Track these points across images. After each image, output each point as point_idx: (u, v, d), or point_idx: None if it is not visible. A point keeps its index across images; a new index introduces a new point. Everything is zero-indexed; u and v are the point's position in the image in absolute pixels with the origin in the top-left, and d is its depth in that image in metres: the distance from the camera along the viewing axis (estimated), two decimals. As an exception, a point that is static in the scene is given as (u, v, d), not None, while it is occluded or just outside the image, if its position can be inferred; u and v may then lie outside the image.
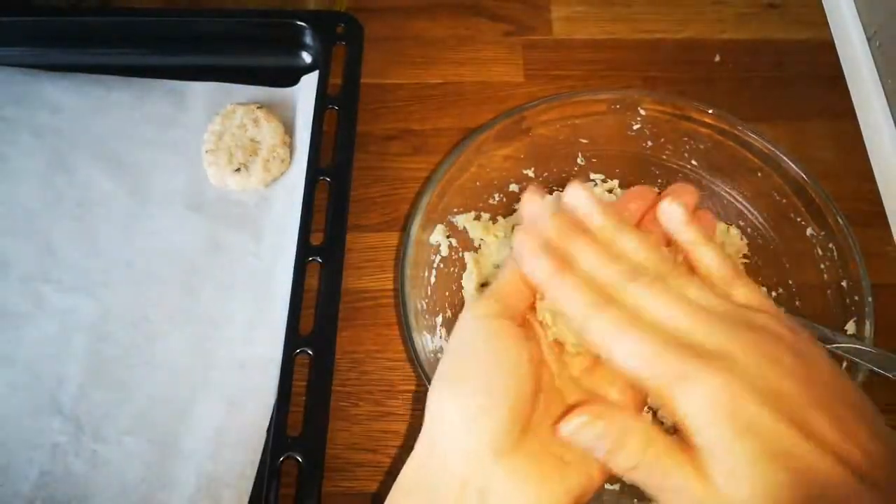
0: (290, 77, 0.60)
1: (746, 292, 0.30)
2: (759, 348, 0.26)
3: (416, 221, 0.48)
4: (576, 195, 0.33)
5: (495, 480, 0.28)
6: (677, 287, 0.29)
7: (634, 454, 0.27)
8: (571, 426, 0.28)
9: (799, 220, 0.49)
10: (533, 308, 0.33)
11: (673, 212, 0.32)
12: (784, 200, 0.50)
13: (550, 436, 0.29)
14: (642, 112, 0.53)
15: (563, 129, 0.53)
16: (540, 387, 0.30)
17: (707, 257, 0.31)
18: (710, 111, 0.51)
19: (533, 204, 0.34)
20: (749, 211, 0.52)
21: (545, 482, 0.28)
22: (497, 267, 0.51)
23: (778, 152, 0.50)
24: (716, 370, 0.25)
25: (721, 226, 0.53)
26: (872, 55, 0.62)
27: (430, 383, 0.42)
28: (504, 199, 0.54)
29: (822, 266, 0.48)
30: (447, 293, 0.50)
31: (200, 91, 0.59)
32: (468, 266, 0.51)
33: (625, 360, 0.27)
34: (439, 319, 0.48)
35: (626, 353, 0.27)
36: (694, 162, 0.53)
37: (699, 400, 0.25)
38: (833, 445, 0.25)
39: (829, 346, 0.43)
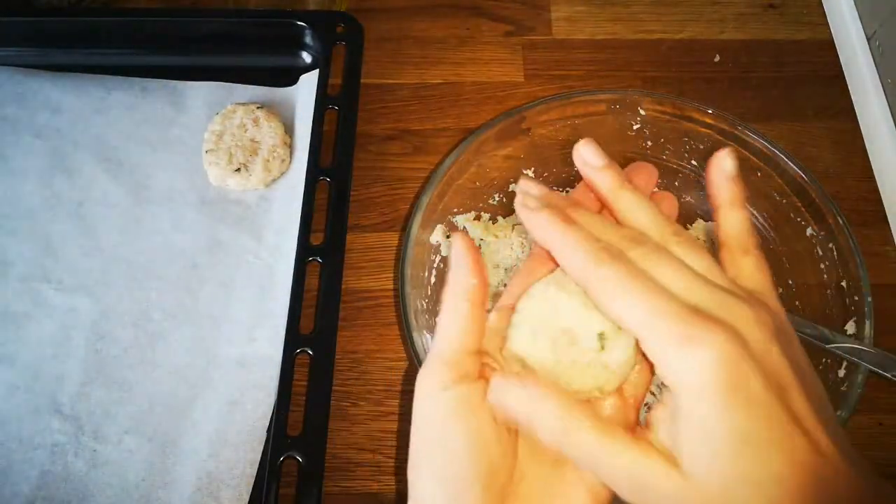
0: (290, 77, 0.60)
1: (753, 269, 0.30)
2: (759, 323, 0.26)
3: (416, 221, 0.48)
4: (586, 150, 0.31)
5: None
6: (682, 256, 0.28)
7: (553, 419, 0.26)
8: (493, 393, 0.28)
9: (799, 219, 0.49)
10: (486, 353, 0.30)
11: (726, 163, 0.32)
12: (784, 200, 0.50)
13: (535, 488, 0.29)
14: (642, 112, 0.53)
15: (563, 130, 0.53)
16: (514, 442, 0.29)
17: (733, 220, 0.31)
18: (710, 111, 0.51)
19: (530, 187, 0.31)
20: (749, 211, 0.52)
21: None
22: (497, 267, 0.51)
23: (778, 152, 0.50)
24: (721, 334, 0.24)
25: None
26: (872, 55, 0.62)
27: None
28: (504, 199, 0.54)
29: (822, 266, 0.48)
30: (447, 293, 0.50)
31: (200, 91, 0.59)
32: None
33: (627, 315, 0.26)
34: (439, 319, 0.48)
35: (628, 309, 0.26)
36: (694, 162, 0.53)
37: (699, 362, 0.24)
38: (812, 433, 0.25)
39: (828, 346, 0.43)
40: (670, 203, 0.33)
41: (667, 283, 0.27)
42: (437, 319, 0.30)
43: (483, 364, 0.30)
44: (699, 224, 0.53)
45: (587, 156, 0.31)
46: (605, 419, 0.27)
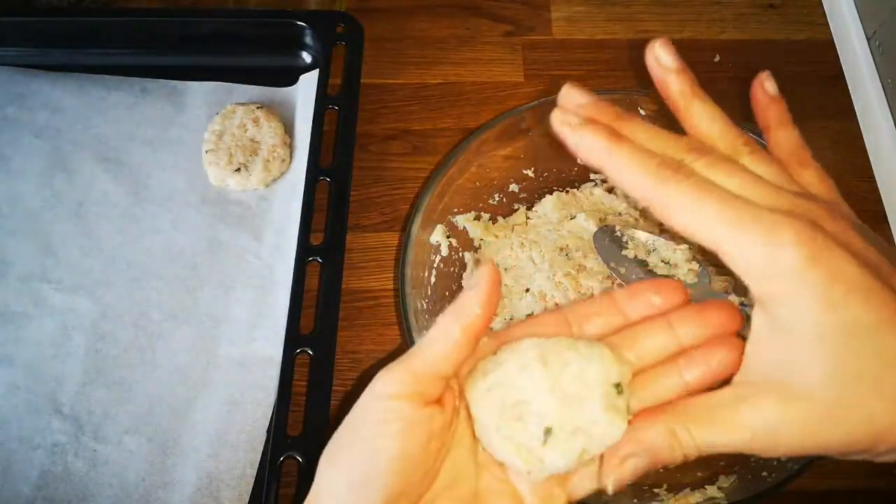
0: (290, 77, 0.60)
1: (816, 180, 0.29)
2: (837, 217, 0.26)
3: (416, 221, 0.48)
4: (660, 47, 0.30)
5: None
6: (751, 166, 0.27)
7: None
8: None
9: (799, 219, 0.49)
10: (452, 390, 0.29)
11: (767, 85, 0.31)
12: (784, 200, 0.50)
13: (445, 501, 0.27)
14: (642, 112, 0.53)
15: (563, 130, 0.53)
16: (438, 469, 0.28)
17: (784, 138, 0.30)
18: (710, 111, 0.51)
19: (574, 95, 0.29)
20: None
21: None
22: (497, 267, 0.51)
23: (778, 152, 0.50)
24: (806, 224, 0.24)
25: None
26: (872, 55, 0.62)
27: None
28: (504, 199, 0.54)
29: (822, 266, 0.48)
30: (447, 293, 0.50)
31: (200, 91, 0.59)
32: (468, 266, 0.51)
33: (703, 231, 0.25)
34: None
35: (702, 224, 0.24)
36: (694, 162, 0.53)
37: (792, 258, 0.23)
38: None
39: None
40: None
41: (737, 191, 0.25)
42: (428, 334, 0.28)
43: (446, 388, 0.28)
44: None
45: (662, 56, 0.29)
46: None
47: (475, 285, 0.28)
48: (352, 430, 0.28)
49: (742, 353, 0.28)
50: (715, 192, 0.25)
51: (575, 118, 0.27)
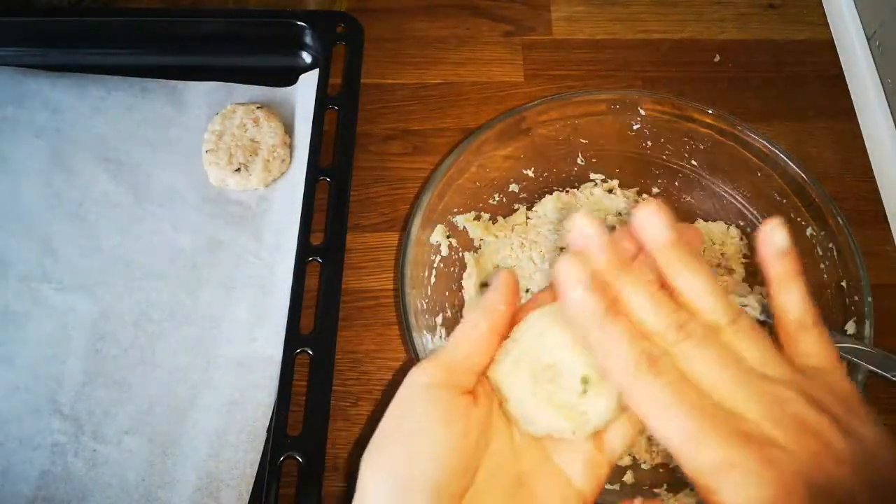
0: (290, 77, 0.60)
1: (814, 344, 0.28)
2: (811, 431, 0.25)
3: (416, 221, 0.48)
4: (647, 215, 0.29)
5: None
6: (734, 343, 0.27)
7: None
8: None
9: (799, 219, 0.49)
10: (486, 375, 0.30)
11: (776, 237, 0.30)
12: (784, 200, 0.50)
13: (492, 486, 0.28)
14: (642, 112, 0.53)
15: (563, 130, 0.53)
16: (480, 457, 0.29)
17: (788, 296, 0.29)
18: (710, 111, 0.51)
19: (586, 227, 0.29)
20: (749, 211, 0.52)
21: None
22: (497, 267, 0.51)
23: (778, 152, 0.50)
24: (766, 462, 0.23)
25: (721, 225, 0.53)
26: (872, 55, 0.62)
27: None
28: (504, 199, 0.54)
29: (822, 266, 0.48)
30: (447, 293, 0.50)
31: (200, 91, 0.59)
32: (468, 266, 0.51)
33: (667, 437, 0.25)
34: (439, 319, 0.48)
35: (668, 431, 0.25)
36: (694, 162, 0.53)
37: (747, 494, 0.23)
38: None
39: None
40: (696, 236, 0.33)
41: (711, 383, 0.26)
42: (454, 331, 0.30)
43: (478, 382, 0.30)
44: (699, 224, 0.54)
45: (652, 229, 0.29)
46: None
47: (497, 287, 0.30)
48: (393, 425, 0.28)
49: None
50: (681, 400, 0.25)
51: (582, 273, 0.27)
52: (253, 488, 0.44)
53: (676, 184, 0.54)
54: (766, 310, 0.45)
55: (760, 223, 0.51)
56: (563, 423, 0.28)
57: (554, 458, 0.30)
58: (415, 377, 0.29)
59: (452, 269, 0.51)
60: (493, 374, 0.30)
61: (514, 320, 0.31)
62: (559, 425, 0.29)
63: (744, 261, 0.52)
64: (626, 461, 0.45)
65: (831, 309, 0.47)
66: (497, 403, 0.30)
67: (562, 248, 0.51)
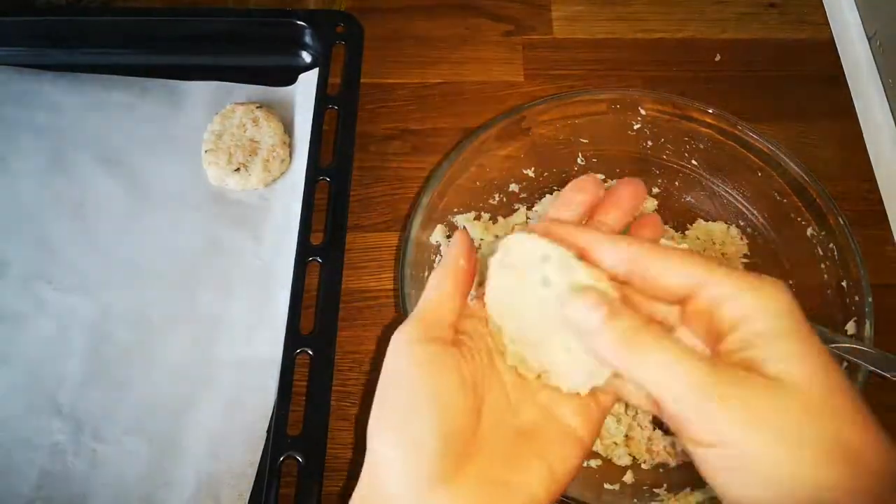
0: (289, 77, 0.60)
1: None
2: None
3: (416, 221, 0.48)
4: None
5: None
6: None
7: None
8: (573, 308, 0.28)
9: (799, 220, 0.49)
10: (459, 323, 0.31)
11: None
12: (784, 200, 0.50)
13: (496, 456, 0.29)
14: (642, 112, 0.53)
15: (564, 129, 0.53)
16: (479, 408, 0.29)
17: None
18: (711, 111, 0.51)
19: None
20: (749, 211, 0.52)
21: None
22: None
23: (778, 152, 0.50)
24: (779, 282, 0.27)
25: (721, 225, 0.53)
26: (873, 55, 0.62)
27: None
28: (504, 199, 0.54)
29: (823, 266, 0.48)
30: (447, 293, 0.49)
31: (200, 90, 0.59)
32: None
33: (685, 272, 0.27)
34: (439, 319, 0.48)
35: (684, 267, 0.27)
36: (694, 162, 0.53)
37: (774, 292, 0.26)
38: None
39: (829, 347, 0.42)
40: (654, 225, 0.33)
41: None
42: (423, 292, 0.31)
43: (458, 339, 0.31)
44: (699, 224, 0.53)
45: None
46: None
47: (455, 243, 0.32)
48: (389, 385, 0.30)
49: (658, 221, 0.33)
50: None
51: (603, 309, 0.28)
52: (253, 488, 0.44)
53: (677, 184, 0.54)
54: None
55: (761, 223, 0.52)
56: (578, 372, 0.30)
57: (551, 409, 0.31)
58: (397, 338, 0.30)
59: (452, 269, 0.50)
60: (496, 318, 0.31)
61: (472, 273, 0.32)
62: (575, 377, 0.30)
63: (744, 261, 0.52)
64: (626, 461, 0.45)
65: (831, 309, 0.47)
66: (487, 357, 0.31)
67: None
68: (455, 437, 0.28)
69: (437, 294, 0.31)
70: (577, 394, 0.30)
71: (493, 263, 0.31)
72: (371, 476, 0.29)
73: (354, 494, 0.30)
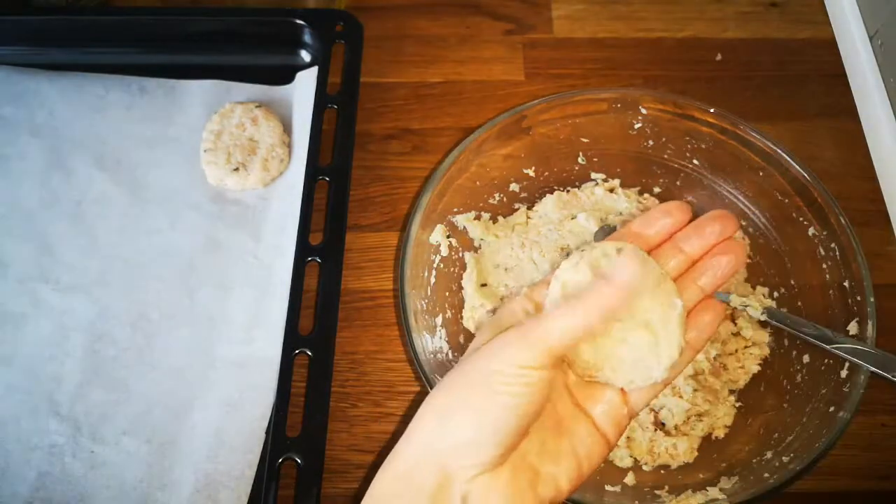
0: (289, 76, 0.59)
1: None
2: None
3: (416, 221, 0.47)
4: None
5: (475, 491, 0.30)
6: None
7: None
8: None
9: (801, 219, 0.49)
10: None
11: None
12: (786, 200, 0.50)
13: (533, 446, 0.31)
14: (643, 111, 0.53)
15: (564, 129, 0.53)
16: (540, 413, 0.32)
17: None
18: (712, 110, 0.51)
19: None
20: (751, 210, 0.52)
21: (521, 493, 0.30)
22: (497, 267, 0.51)
23: (780, 151, 0.49)
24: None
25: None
26: (874, 54, 0.61)
27: (430, 384, 0.42)
28: (504, 199, 0.53)
29: (825, 266, 0.47)
30: (447, 293, 0.49)
31: (199, 90, 0.59)
32: (468, 266, 0.50)
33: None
34: (439, 319, 0.48)
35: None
36: (695, 161, 0.53)
37: None
38: None
39: (830, 347, 0.42)
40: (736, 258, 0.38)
41: None
42: (565, 307, 0.31)
43: None
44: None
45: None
46: None
47: (621, 274, 0.32)
48: (472, 381, 0.31)
49: (742, 253, 0.37)
50: None
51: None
52: (252, 490, 0.44)
53: (678, 183, 0.54)
54: (768, 310, 0.44)
55: (763, 223, 0.51)
56: (631, 373, 0.33)
57: (585, 405, 0.34)
58: (518, 356, 0.30)
59: (452, 269, 0.50)
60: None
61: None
62: (627, 375, 0.33)
63: (746, 261, 0.52)
64: (628, 462, 0.45)
65: (833, 309, 0.46)
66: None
67: (562, 248, 0.51)
68: (511, 446, 0.30)
69: (578, 328, 0.31)
70: (613, 395, 0.34)
71: (565, 264, 0.35)
72: (415, 452, 0.31)
73: (388, 467, 0.31)
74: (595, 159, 0.54)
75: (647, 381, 0.33)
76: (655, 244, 0.38)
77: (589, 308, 0.30)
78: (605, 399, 0.34)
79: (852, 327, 0.45)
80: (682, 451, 0.45)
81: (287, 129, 0.57)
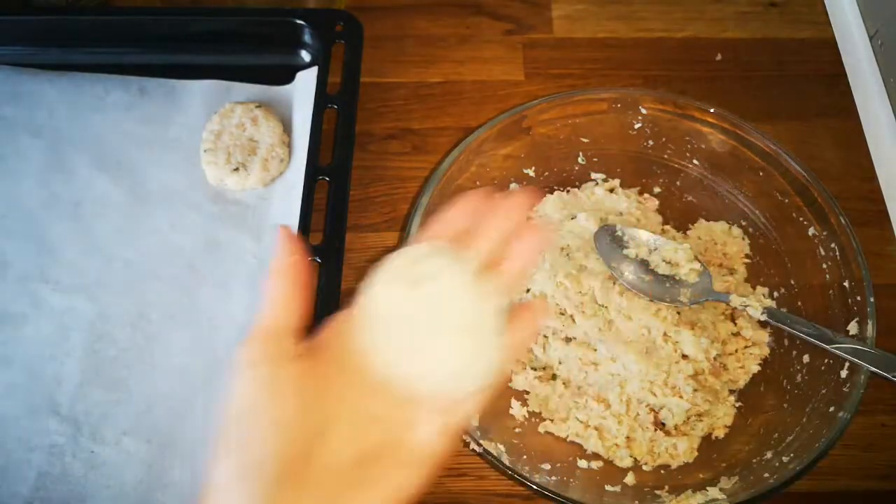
0: (289, 76, 0.59)
1: None
2: None
3: (416, 221, 0.47)
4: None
5: None
6: None
7: None
8: None
9: (801, 219, 0.49)
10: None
11: None
12: (786, 200, 0.50)
13: (339, 478, 0.28)
14: (643, 111, 0.53)
15: (564, 129, 0.53)
16: (324, 429, 0.28)
17: None
18: (712, 110, 0.51)
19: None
20: (751, 210, 0.52)
21: None
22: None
23: (780, 151, 0.50)
24: None
25: (723, 225, 0.53)
26: (874, 54, 0.61)
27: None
28: (504, 199, 0.53)
29: (825, 266, 0.48)
30: (447, 293, 0.49)
31: (199, 90, 0.59)
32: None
33: None
34: (439, 320, 0.48)
35: None
36: (696, 161, 0.53)
37: None
38: None
39: (830, 347, 0.42)
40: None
41: None
42: (264, 301, 0.30)
43: (312, 348, 0.30)
44: (701, 223, 0.53)
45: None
46: None
47: (279, 242, 0.33)
48: (231, 413, 0.29)
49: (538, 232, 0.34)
50: None
51: None
52: (252, 490, 0.44)
53: (678, 183, 0.54)
54: (768, 310, 0.44)
55: (763, 223, 0.51)
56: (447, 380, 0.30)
57: (412, 423, 0.30)
58: (241, 361, 0.29)
59: (452, 269, 0.50)
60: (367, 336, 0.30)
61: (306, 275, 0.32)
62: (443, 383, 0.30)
63: (746, 261, 0.52)
64: (628, 462, 0.45)
65: (833, 309, 0.47)
66: (341, 367, 0.30)
67: (562, 248, 0.51)
68: (292, 461, 0.27)
69: (275, 301, 0.30)
70: (440, 409, 0.30)
71: (376, 275, 0.32)
72: None
73: None
74: (595, 159, 0.54)
75: (468, 388, 0.30)
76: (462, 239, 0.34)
77: (276, 279, 0.31)
78: (432, 413, 0.30)
79: (852, 327, 0.45)
80: (682, 451, 0.45)
81: (287, 129, 0.57)
